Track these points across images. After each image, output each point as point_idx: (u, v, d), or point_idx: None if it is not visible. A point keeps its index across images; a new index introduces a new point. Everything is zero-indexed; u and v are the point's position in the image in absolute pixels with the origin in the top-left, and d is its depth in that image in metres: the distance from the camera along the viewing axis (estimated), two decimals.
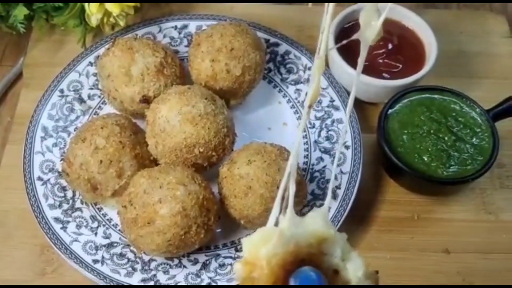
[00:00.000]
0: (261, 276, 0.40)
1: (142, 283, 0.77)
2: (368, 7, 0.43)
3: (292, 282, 0.40)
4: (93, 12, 0.91)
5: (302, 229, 0.42)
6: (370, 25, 0.44)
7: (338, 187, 0.85)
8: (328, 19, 0.44)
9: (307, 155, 0.90)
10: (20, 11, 0.95)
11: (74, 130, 0.89)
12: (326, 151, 0.90)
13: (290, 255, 0.41)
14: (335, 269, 0.42)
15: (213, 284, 0.78)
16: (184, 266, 0.80)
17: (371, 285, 0.42)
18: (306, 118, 0.45)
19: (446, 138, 0.85)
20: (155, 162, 0.83)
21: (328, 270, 0.42)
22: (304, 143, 0.91)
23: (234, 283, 0.78)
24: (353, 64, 0.92)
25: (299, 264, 0.41)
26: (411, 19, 0.98)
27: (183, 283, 0.78)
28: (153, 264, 0.79)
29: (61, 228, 0.80)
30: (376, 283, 0.43)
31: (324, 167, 0.89)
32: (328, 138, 0.91)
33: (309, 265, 0.41)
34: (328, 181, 0.87)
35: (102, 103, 0.93)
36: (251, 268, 0.40)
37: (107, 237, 0.81)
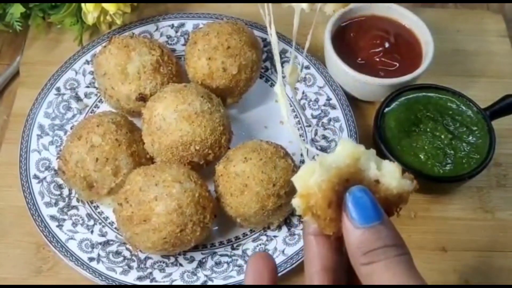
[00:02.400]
0: (317, 201, 0.46)
1: (138, 281, 0.77)
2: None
3: (347, 201, 0.45)
4: (90, 10, 0.91)
5: (337, 156, 0.48)
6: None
7: None
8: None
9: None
10: (16, 9, 0.95)
11: (71, 128, 0.89)
12: (322, 149, 0.90)
13: (335, 177, 0.46)
14: (375, 179, 0.47)
15: (209, 282, 0.78)
16: (180, 264, 0.80)
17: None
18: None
19: (442, 136, 0.85)
20: (151, 160, 0.83)
21: (370, 183, 0.47)
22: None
23: (230, 281, 0.78)
24: (350, 63, 0.92)
25: (344, 183, 0.46)
26: (408, 18, 0.98)
27: (179, 281, 0.78)
28: (149, 262, 0.79)
29: (57, 226, 0.80)
30: (412, 180, 0.48)
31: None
32: (324, 137, 0.91)
33: (353, 182, 0.47)
34: None
35: (99, 101, 0.93)
36: (307, 199, 0.46)
37: (103, 235, 0.81)
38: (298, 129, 0.92)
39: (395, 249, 0.44)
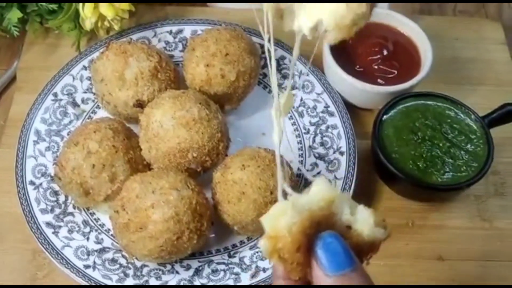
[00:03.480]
0: (285, 244, 0.44)
1: None
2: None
3: (317, 247, 0.44)
4: (88, 15, 0.91)
5: (311, 197, 0.46)
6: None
7: None
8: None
9: (302, 160, 0.90)
10: (14, 14, 0.94)
11: (67, 134, 0.89)
12: (320, 157, 0.90)
13: (307, 220, 0.44)
14: (347, 225, 0.46)
15: None
16: (177, 272, 0.79)
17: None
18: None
19: (441, 144, 0.85)
20: (148, 167, 0.82)
21: (342, 227, 0.46)
22: (299, 149, 0.91)
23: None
24: (348, 70, 0.92)
25: (316, 227, 0.44)
26: (407, 25, 0.98)
27: None
28: (145, 270, 0.79)
29: (52, 232, 0.80)
30: (385, 228, 0.47)
31: (319, 173, 0.88)
32: (322, 144, 0.91)
33: (324, 226, 0.45)
34: None
35: (96, 107, 0.93)
36: (275, 241, 0.44)
37: (99, 242, 0.81)
38: (296, 136, 0.92)
39: None
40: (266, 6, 0.46)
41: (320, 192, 0.46)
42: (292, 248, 0.44)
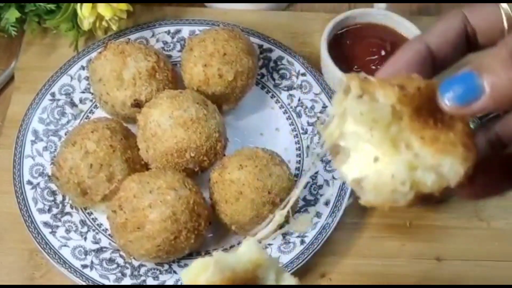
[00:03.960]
0: None
1: None
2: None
3: None
4: (86, 15, 0.91)
5: (238, 257, 0.44)
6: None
7: (330, 194, 0.85)
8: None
9: (299, 161, 0.90)
10: (12, 14, 0.94)
11: (65, 134, 0.89)
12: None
13: (227, 281, 0.42)
14: None
15: None
16: (174, 272, 0.79)
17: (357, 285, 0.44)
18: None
19: None
20: (146, 167, 0.82)
21: None
22: (297, 149, 0.91)
23: None
24: (346, 71, 0.92)
25: None
26: (404, 26, 0.98)
27: None
28: (142, 270, 0.79)
29: (50, 232, 0.80)
30: None
31: (316, 173, 0.88)
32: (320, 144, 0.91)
33: None
34: (320, 187, 0.87)
35: (94, 107, 0.93)
36: None
37: (96, 242, 0.81)
38: (294, 137, 0.92)
39: None
40: (327, 137, 0.44)
41: (248, 253, 0.45)
42: None
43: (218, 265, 0.43)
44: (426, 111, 0.40)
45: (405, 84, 0.41)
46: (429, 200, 0.42)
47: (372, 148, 0.41)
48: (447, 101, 0.39)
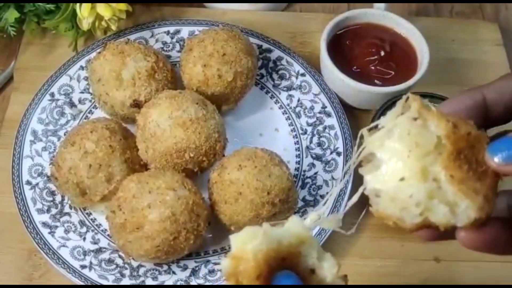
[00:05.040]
0: (247, 268, 0.43)
1: None
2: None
3: (275, 282, 0.44)
4: (85, 16, 0.91)
5: (284, 231, 0.46)
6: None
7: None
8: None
9: (299, 161, 0.90)
10: (11, 14, 0.94)
11: (64, 134, 0.88)
12: (317, 157, 0.90)
13: (273, 252, 0.44)
14: (312, 268, 0.46)
15: None
16: (173, 272, 0.79)
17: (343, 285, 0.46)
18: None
19: None
20: (145, 167, 0.82)
21: (305, 270, 0.46)
22: (296, 149, 0.91)
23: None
24: (345, 71, 0.92)
25: (280, 262, 0.44)
26: (403, 27, 0.98)
27: None
28: (141, 270, 0.79)
29: (49, 233, 0.80)
30: (346, 282, 0.47)
31: (316, 173, 0.88)
32: (319, 144, 0.91)
33: (289, 263, 0.45)
34: (320, 187, 0.87)
35: (93, 107, 0.93)
36: (238, 262, 0.44)
37: (95, 243, 0.81)
38: (293, 137, 0.92)
39: None
40: (369, 144, 0.46)
41: (293, 229, 0.46)
42: (253, 274, 0.43)
43: (266, 236, 0.44)
44: (465, 157, 0.43)
45: (459, 125, 0.44)
46: (431, 235, 0.46)
47: (402, 168, 0.44)
48: (496, 159, 0.42)
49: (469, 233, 0.45)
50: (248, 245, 0.44)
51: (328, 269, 0.46)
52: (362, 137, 0.46)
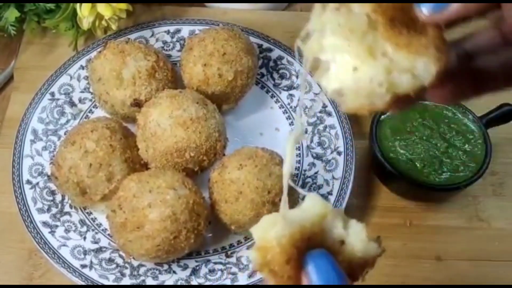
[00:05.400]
0: (274, 256, 0.43)
1: None
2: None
3: (307, 263, 0.43)
4: (85, 15, 0.91)
5: (303, 211, 0.46)
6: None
7: (330, 193, 0.85)
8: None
9: (299, 160, 0.90)
10: (11, 14, 0.94)
11: (64, 134, 0.88)
12: (318, 156, 0.89)
13: (297, 234, 0.43)
14: (340, 239, 0.45)
15: None
16: (174, 272, 0.79)
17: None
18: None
19: (438, 144, 0.85)
20: (145, 166, 0.82)
21: (335, 243, 0.45)
22: (296, 149, 0.91)
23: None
24: None
25: (306, 241, 0.44)
26: None
27: None
28: (142, 270, 0.78)
29: (49, 232, 0.80)
30: (380, 244, 0.46)
31: (316, 172, 0.88)
32: (320, 144, 0.91)
33: (315, 241, 0.44)
34: (320, 186, 0.86)
35: (93, 107, 0.93)
36: (264, 252, 0.43)
37: (96, 242, 0.80)
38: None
39: None
40: (308, 52, 0.46)
41: (312, 207, 0.46)
42: (281, 259, 0.43)
43: (285, 220, 0.44)
44: (400, 21, 0.43)
45: None
46: (405, 103, 0.45)
47: (350, 59, 0.43)
48: (424, 11, 0.43)
49: (437, 89, 0.45)
50: (269, 233, 0.43)
51: (356, 235, 0.46)
52: (299, 50, 0.45)
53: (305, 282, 0.43)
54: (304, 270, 0.43)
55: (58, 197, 0.83)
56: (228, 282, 0.78)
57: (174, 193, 0.73)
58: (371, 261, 0.46)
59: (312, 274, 0.43)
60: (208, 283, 0.78)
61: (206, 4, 1.09)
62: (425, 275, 0.83)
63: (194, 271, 0.79)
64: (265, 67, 0.98)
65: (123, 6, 0.92)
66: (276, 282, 0.44)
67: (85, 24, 0.92)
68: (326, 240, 0.45)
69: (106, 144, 0.78)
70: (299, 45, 0.45)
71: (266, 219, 0.45)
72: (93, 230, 0.82)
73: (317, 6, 0.45)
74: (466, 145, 0.85)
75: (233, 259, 0.81)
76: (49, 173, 0.84)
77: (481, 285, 0.83)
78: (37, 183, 0.84)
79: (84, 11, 0.90)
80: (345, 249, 0.45)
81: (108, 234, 0.80)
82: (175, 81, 0.89)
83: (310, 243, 0.44)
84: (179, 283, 0.78)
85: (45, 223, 0.80)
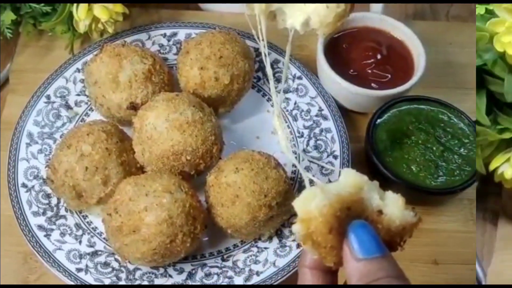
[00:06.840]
0: (317, 226, 0.45)
1: None
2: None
3: (349, 233, 0.46)
4: (81, 18, 0.90)
5: (339, 184, 0.48)
6: None
7: None
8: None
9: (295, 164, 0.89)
10: (7, 16, 0.94)
11: (60, 137, 0.88)
12: (315, 159, 0.89)
13: (337, 204, 0.46)
14: (378, 209, 0.47)
15: None
16: (170, 276, 0.79)
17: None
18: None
19: (434, 148, 0.85)
20: (141, 170, 0.82)
21: (373, 212, 0.47)
22: (293, 152, 0.91)
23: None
24: (342, 74, 0.92)
25: (346, 211, 0.46)
26: (400, 30, 0.98)
27: None
28: (138, 273, 0.78)
29: (44, 235, 0.79)
30: (416, 213, 0.49)
31: (314, 175, 0.88)
32: (316, 147, 0.91)
33: (355, 211, 0.47)
34: None
35: (89, 110, 0.92)
36: (307, 224, 0.45)
37: (91, 246, 0.80)
38: (290, 140, 0.92)
39: (397, 281, 0.44)
40: (257, 9, 0.50)
41: (348, 179, 0.48)
42: (324, 229, 0.45)
43: (324, 192, 0.46)
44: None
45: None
46: None
47: None
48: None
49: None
50: (311, 205, 0.45)
51: (393, 204, 0.48)
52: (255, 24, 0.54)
53: (347, 251, 0.45)
54: (345, 239, 0.45)
55: (54, 201, 0.83)
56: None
57: (171, 197, 0.73)
58: (409, 229, 0.49)
59: (354, 243, 0.45)
60: None
61: (202, 7, 1.09)
62: (422, 279, 0.83)
63: (190, 275, 0.79)
64: (262, 70, 0.98)
65: (119, 9, 0.92)
66: (319, 253, 0.46)
67: (82, 27, 0.92)
68: (364, 211, 0.47)
69: (102, 147, 0.78)
70: (254, 11, 0.49)
71: (306, 192, 0.47)
72: (88, 233, 0.81)
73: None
74: (462, 149, 0.86)
75: (229, 263, 0.80)
76: (44, 176, 0.84)
77: (480, 285, 0.83)
78: (33, 186, 0.84)
79: (80, 14, 0.90)
80: (383, 218, 0.47)
81: (104, 238, 0.80)
82: (172, 85, 0.89)
83: (350, 214, 0.46)
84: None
85: (40, 227, 0.80)
